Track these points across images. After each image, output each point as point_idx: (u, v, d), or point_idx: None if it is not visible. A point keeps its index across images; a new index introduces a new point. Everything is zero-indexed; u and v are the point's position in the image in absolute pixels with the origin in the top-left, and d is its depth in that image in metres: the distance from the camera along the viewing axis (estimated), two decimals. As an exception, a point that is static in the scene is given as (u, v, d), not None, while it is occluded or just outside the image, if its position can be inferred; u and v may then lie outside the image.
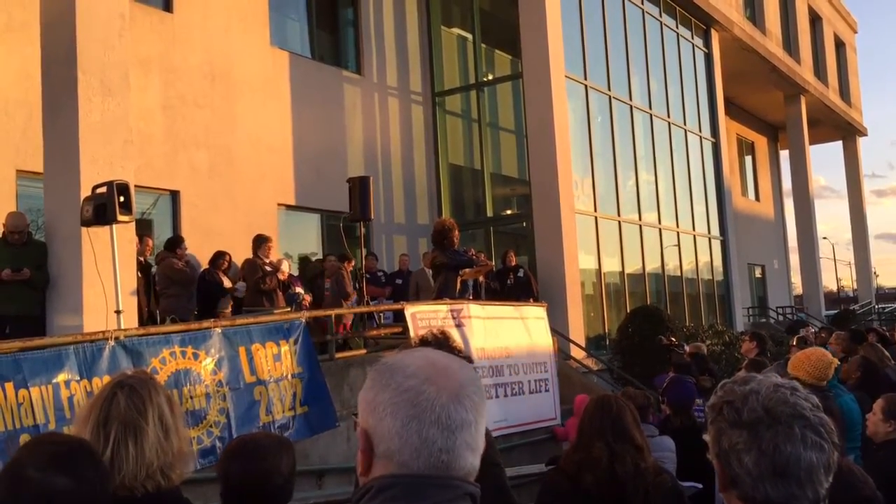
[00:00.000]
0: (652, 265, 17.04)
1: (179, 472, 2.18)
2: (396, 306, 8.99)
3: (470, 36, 15.75)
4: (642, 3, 17.71)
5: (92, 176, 7.16)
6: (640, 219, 16.71)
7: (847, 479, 2.57)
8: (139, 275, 8.27)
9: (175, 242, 9.40)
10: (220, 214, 11.21)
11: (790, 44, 24.98)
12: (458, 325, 8.20)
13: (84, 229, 6.89)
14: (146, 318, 8.66)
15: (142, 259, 8.83)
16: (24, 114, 9.06)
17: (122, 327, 6.23)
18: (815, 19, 28.04)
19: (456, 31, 16.20)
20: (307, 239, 13.21)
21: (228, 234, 10.71)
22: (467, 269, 9.41)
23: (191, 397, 5.67)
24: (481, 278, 11.29)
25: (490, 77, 15.93)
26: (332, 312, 8.77)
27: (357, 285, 10.37)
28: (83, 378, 5.10)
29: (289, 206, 12.52)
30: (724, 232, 20.02)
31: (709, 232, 19.56)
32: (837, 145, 31.76)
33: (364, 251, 10.91)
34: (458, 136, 15.95)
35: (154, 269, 9.37)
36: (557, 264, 13.54)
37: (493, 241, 14.95)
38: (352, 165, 13.24)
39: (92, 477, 1.71)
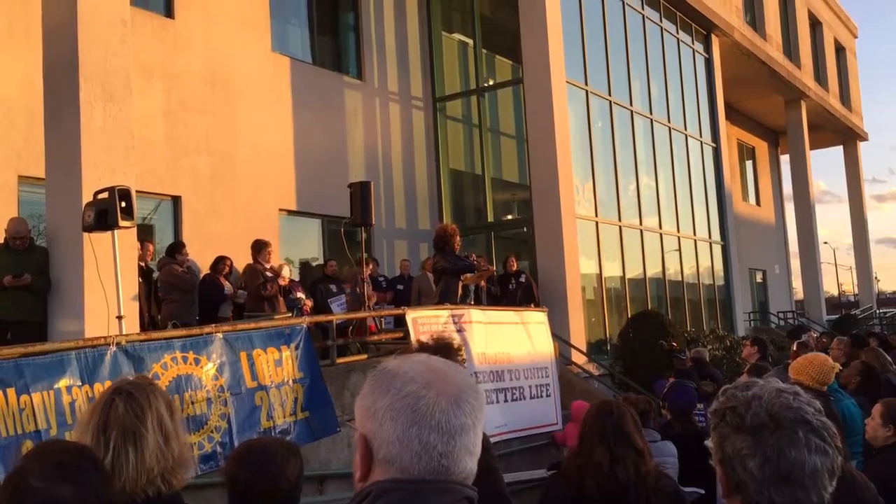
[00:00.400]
0: (653, 270, 17.04)
1: (180, 477, 2.19)
2: (397, 311, 8.99)
3: (471, 41, 15.78)
4: (642, 9, 17.74)
5: (93, 181, 7.17)
6: (640, 223, 16.71)
7: (849, 484, 2.57)
8: (140, 280, 8.27)
9: (175, 248, 9.41)
10: (221, 220, 11.22)
11: (790, 49, 25.01)
12: (459, 330, 8.19)
13: (85, 235, 6.89)
14: (147, 324, 8.66)
15: (143, 264, 8.83)
16: (25, 119, 9.07)
17: (124, 333, 6.23)
18: (816, 24, 28.08)
19: (457, 36, 16.23)
20: (308, 244, 13.22)
21: (230, 240, 10.72)
22: (469, 275, 9.42)
23: (192, 402, 5.67)
24: (482, 283, 11.29)
25: (491, 82, 15.96)
26: (333, 318, 8.77)
27: (358, 290, 10.38)
28: (85, 383, 5.10)
29: (290, 212, 12.53)
30: (724, 237, 20.02)
31: (710, 237, 19.56)
32: (838, 150, 31.77)
33: (365, 256, 10.91)
34: (459, 142, 15.97)
35: (155, 275, 9.38)
36: (558, 269, 13.54)
37: (493, 246, 14.95)
38: (353, 170, 13.25)
39: (94, 485, 1.72)
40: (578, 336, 13.40)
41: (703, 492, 4.44)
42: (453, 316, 8.40)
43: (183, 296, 9.04)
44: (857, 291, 36.61)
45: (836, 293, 60.04)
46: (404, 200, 14.58)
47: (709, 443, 1.53)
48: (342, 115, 13.60)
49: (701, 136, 19.67)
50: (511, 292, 12.22)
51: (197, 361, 5.77)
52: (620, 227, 15.95)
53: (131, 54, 8.19)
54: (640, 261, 16.56)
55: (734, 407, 1.48)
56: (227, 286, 9.62)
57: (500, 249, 14.78)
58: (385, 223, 13.93)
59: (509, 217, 16.01)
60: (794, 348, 7.46)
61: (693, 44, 19.74)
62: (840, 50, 30.52)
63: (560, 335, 11.52)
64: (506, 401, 8.72)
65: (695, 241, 18.85)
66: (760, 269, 26.78)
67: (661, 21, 18.44)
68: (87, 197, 6.98)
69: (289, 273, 10.00)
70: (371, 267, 11.57)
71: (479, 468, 1.30)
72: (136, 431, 2.08)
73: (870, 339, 8.78)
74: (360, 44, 14.28)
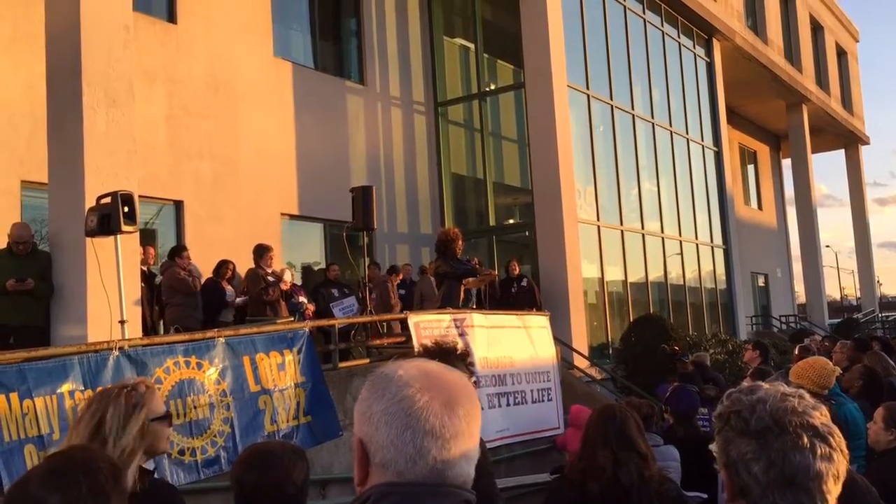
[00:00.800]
0: (655, 274, 17.03)
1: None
2: (400, 315, 8.99)
3: (472, 46, 15.80)
4: (644, 13, 17.77)
5: (96, 186, 7.19)
6: (642, 228, 16.71)
7: (850, 488, 2.57)
8: (142, 285, 8.28)
9: (177, 251, 9.42)
10: (223, 224, 11.23)
11: (792, 53, 25.02)
12: (461, 334, 8.19)
13: (88, 239, 6.90)
14: (150, 328, 8.67)
15: (145, 269, 8.84)
16: (28, 125, 9.10)
17: (126, 337, 6.24)
18: (817, 28, 28.10)
19: (458, 41, 16.26)
20: (310, 248, 13.23)
21: (232, 244, 10.73)
22: (471, 279, 9.43)
23: (194, 407, 5.67)
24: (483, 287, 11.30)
25: (492, 87, 15.98)
26: (335, 322, 8.77)
27: (360, 294, 10.40)
28: (87, 388, 5.10)
29: (292, 216, 12.54)
30: (726, 241, 20.02)
31: (711, 241, 19.55)
32: (839, 154, 31.77)
33: (367, 260, 10.93)
34: (461, 146, 15.98)
35: (158, 279, 9.39)
36: (560, 273, 13.55)
37: (495, 251, 14.96)
38: (355, 175, 13.26)
39: (81, 494, 1.75)
40: (580, 340, 13.39)
41: (705, 496, 4.44)
42: (455, 320, 8.40)
43: (186, 299, 9.04)
44: (859, 295, 36.57)
45: (838, 297, 59.99)
46: (406, 205, 14.59)
47: (713, 447, 1.53)
48: (344, 120, 13.62)
49: (702, 140, 19.68)
50: (513, 296, 12.22)
51: (199, 366, 5.78)
52: (622, 231, 15.95)
53: (134, 59, 8.21)
54: (641, 265, 16.56)
55: (739, 411, 1.48)
56: (230, 290, 9.62)
57: (501, 253, 14.78)
58: (387, 227, 13.94)
59: (511, 221, 16.02)
60: (797, 352, 7.45)
61: (694, 48, 19.76)
62: (841, 54, 30.53)
63: (562, 339, 11.52)
64: (508, 405, 8.72)
65: (696, 244, 18.85)
66: (762, 272, 26.76)
67: (662, 25, 18.46)
68: (89, 202, 6.99)
69: (290, 277, 10.00)
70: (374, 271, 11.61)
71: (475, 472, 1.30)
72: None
73: (873, 342, 8.76)
74: (361, 48, 14.30)
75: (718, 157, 20.21)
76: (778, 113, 25.72)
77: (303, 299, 10.12)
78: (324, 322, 8.71)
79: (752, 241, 24.68)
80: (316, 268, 13.03)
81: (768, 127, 28.09)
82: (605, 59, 16.23)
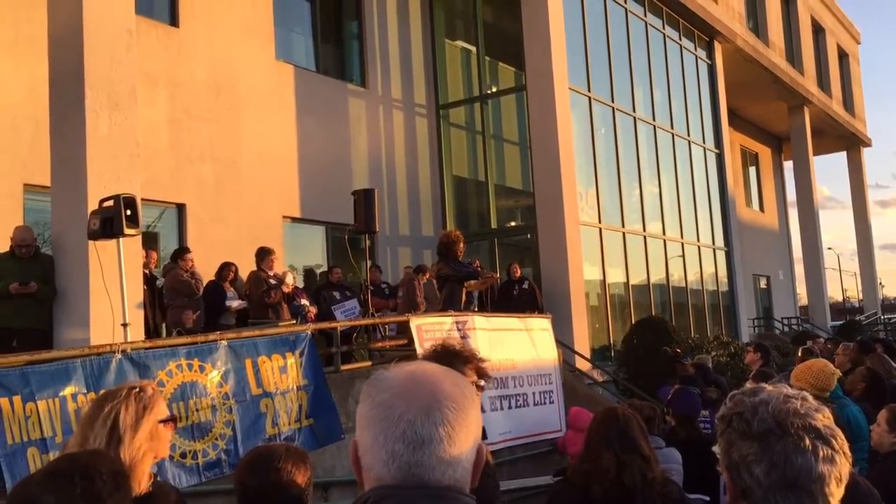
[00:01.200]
0: (656, 276, 17.03)
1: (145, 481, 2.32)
2: (402, 318, 9.00)
3: (474, 48, 15.82)
4: (645, 16, 17.78)
5: (99, 189, 7.20)
6: (644, 230, 16.71)
7: (853, 491, 2.57)
8: (144, 287, 8.29)
9: (180, 253, 9.43)
10: (225, 227, 11.24)
11: (793, 55, 25.02)
12: (463, 337, 8.20)
13: (91, 243, 6.92)
14: (152, 331, 8.67)
15: (147, 272, 8.85)
16: (31, 128, 9.11)
17: (129, 340, 6.25)
18: (818, 30, 28.09)
19: (460, 43, 16.28)
20: (312, 251, 13.23)
21: (234, 247, 10.74)
22: (472, 281, 9.43)
23: (197, 410, 5.68)
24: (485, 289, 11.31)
25: (494, 89, 15.99)
26: (337, 325, 8.78)
27: (362, 297, 10.40)
28: (90, 391, 5.12)
29: (294, 219, 12.55)
30: (728, 243, 20.01)
31: (713, 243, 19.55)
32: (841, 156, 31.76)
33: (369, 263, 10.94)
34: (463, 149, 15.99)
35: (160, 282, 9.39)
36: (562, 276, 13.54)
37: (497, 253, 14.96)
38: (356, 178, 13.27)
39: (74, 496, 1.77)
40: (582, 342, 13.39)
41: (707, 499, 4.44)
42: (457, 323, 8.41)
43: (188, 302, 9.05)
44: (861, 297, 36.53)
45: (840, 299, 59.94)
46: (408, 207, 14.60)
47: (716, 448, 1.53)
48: (346, 123, 13.64)
49: (704, 143, 19.68)
50: (515, 299, 12.22)
51: (202, 369, 5.79)
52: (624, 233, 15.95)
53: (136, 63, 8.22)
54: (643, 267, 16.56)
55: (741, 413, 1.48)
56: (231, 293, 9.62)
57: (503, 256, 14.79)
58: (389, 230, 13.95)
59: (513, 224, 16.03)
60: (800, 354, 7.44)
61: (696, 50, 19.77)
62: (843, 56, 30.52)
63: (564, 342, 11.52)
64: (510, 407, 8.73)
65: (698, 247, 18.84)
66: (764, 275, 26.74)
67: (663, 28, 18.47)
68: (92, 205, 7.01)
69: (292, 280, 10.00)
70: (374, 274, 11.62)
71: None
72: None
73: (875, 345, 8.75)
74: (363, 51, 14.32)
75: (720, 159, 20.20)
76: (779, 115, 25.72)
77: (305, 302, 10.11)
78: (326, 325, 8.72)
79: (753, 244, 24.67)
80: (318, 270, 13.04)
81: (770, 129, 28.08)
82: (607, 62, 16.24)
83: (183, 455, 5.44)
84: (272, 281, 9.49)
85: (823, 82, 27.54)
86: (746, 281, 22.59)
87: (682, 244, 18.15)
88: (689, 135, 19.00)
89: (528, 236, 14.81)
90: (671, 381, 8.91)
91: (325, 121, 13.21)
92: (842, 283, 69.40)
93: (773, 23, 23.54)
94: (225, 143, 11.49)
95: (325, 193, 12.72)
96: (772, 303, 26.86)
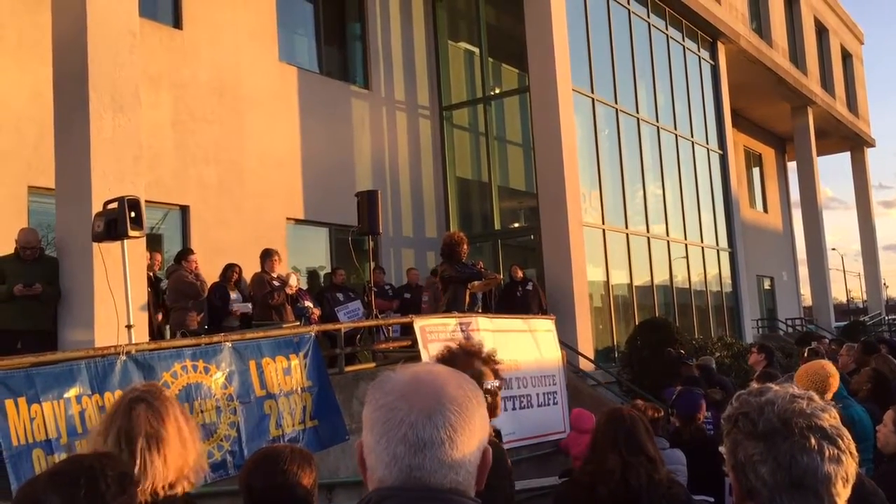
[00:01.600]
0: (660, 277, 17.01)
1: (193, 481, 2.24)
2: (405, 320, 9.00)
3: (477, 50, 15.82)
4: (648, 17, 17.78)
5: (103, 192, 7.22)
6: (647, 231, 16.70)
7: (858, 491, 2.56)
8: (148, 289, 8.31)
9: (183, 254, 9.44)
10: (229, 229, 11.26)
11: (797, 55, 24.99)
12: (467, 338, 8.20)
13: (95, 244, 6.93)
14: (156, 333, 8.69)
15: (151, 274, 8.87)
16: (35, 131, 9.14)
17: (133, 342, 6.26)
18: (822, 31, 28.06)
19: (463, 45, 16.28)
20: (316, 253, 13.24)
21: (237, 249, 10.75)
22: (476, 282, 9.42)
23: (201, 411, 5.69)
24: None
25: (497, 91, 15.99)
26: (341, 326, 8.78)
27: (366, 299, 10.41)
28: (95, 393, 5.13)
29: (297, 221, 12.57)
30: (732, 244, 19.99)
31: (717, 244, 19.53)
32: (845, 156, 31.73)
33: (372, 265, 10.94)
34: (466, 150, 15.99)
35: (163, 284, 9.41)
36: (566, 277, 13.54)
37: (500, 254, 14.95)
38: (360, 179, 13.28)
39: (78, 497, 1.78)
40: (586, 344, 13.38)
41: (712, 500, 4.43)
42: (461, 324, 8.41)
43: (192, 303, 9.06)
44: (865, 298, 36.47)
45: (844, 300, 59.82)
46: (411, 209, 14.61)
47: (723, 449, 1.52)
48: (349, 124, 13.65)
49: (707, 143, 19.67)
50: (519, 300, 12.21)
51: (206, 370, 5.80)
52: (627, 234, 15.94)
53: (140, 65, 8.24)
54: (647, 268, 16.54)
55: (747, 413, 1.47)
56: (235, 296, 9.63)
57: (507, 257, 14.78)
58: (392, 232, 13.96)
59: (516, 225, 16.03)
60: (805, 355, 7.42)
61: (699, 51, 19.76)
62: (846, 56, 30.48)
63: (567, 343, 11.51)
64: (514, 409, 8.72)
65: (702, 248, 18.82)
66: (768, 275, 26.70)
67: (666, 29, 18.46)
68: (96, 207, 7.01)
69: (296, 282, 10.02)
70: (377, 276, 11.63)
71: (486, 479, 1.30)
72: (159, 438, 2.13)
73: (880, 345, 8.73)
74: (366, 53, 14.33)
75: (723, 159, 20.18)
76: (783, 116, 25.69)
77: (308, 304, 10.12)
78: (330, 326, 8.72)
79: (757, 244, 24.62)
80: (321, 272, 13.05)
81: (773, 130, 28.05)
82: (610, 63, 16.24)
83: (187, 456, 5.44)
84: (276, 283, 9.50)
85: (827, 83, 27.51)
86: (750, 282, 22.56)
87: (686, 245, 18.13)
88: (692, 136, 18.99)
89: (532, 237, 14.80)
90: (675, 383, 8.90)
91: (329, 122, 13.22)
92: (846, 284, 69.22)
93: (777, 23, 23.52)
94: (228, 145, 11.51)
95: (328, 195, 12.73)
96: (776, 304, 26.82)
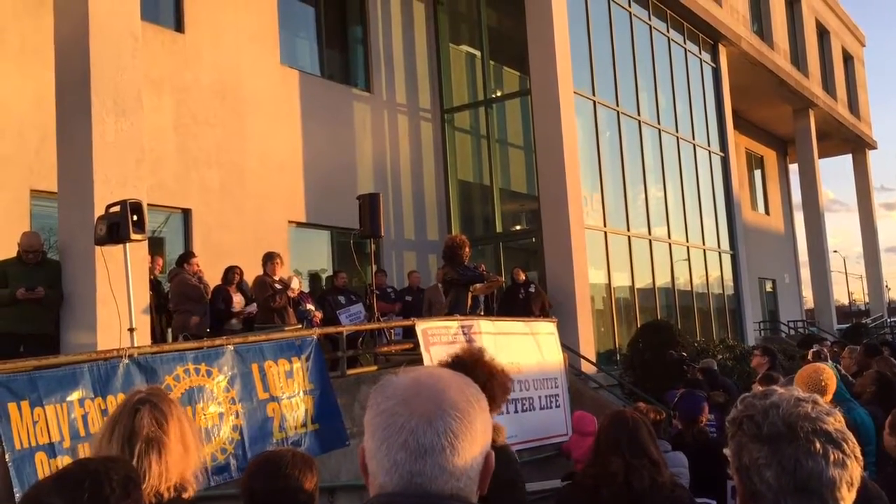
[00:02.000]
0: (662, 280, 17.01)
1: (194, 485, 2.25)
2: (407, 322, 9.00)
3: (478, 53, 15.84)
4: (649, 19, 17.78)
5: (105, 195, 7.23)
6: (649, 233, 16.70)
7: (862, 494, 2.56)
8: (150, 293, 8.31)
9: (186, 257, 9.44)
10: (231, 232, 11.27)
11: (798, 58, 25.00)
12: (469, 341, 8.20)
13: (98, 248, 6.94)
14: (158, 336, 8.69)
15: (153, 277, 8.87)
16: (37, 134, 9.15)
17: (136, 345, 6.26)
18: (823, 33, 28.07)
19: (464, 48, 16.30)
20: (318, 256, 13.25)
21: (239, 252, 10.75)
22: (478, 285, 9.42)
23: (204, 414, 5.69)
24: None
25: (498, 93, 16.00)
26: (343, 329, 8.78)
27: (368, 302, 10.40)
28: (97, 396, 5.13)
29: (299, 224, 12.57)
30: (734, 246, 19.98)
31: (719, 246, 19.52)
32: (847, 158, 31.71)
33: (374, 268, 10.95)
34: (468, 153, 16.00)
35: (166, 287, 9.41)
36: (567, 279, 13.53)
37: (502, 257, 14.96)
38: (362, 182, 13.29)
39: (82, 500, 1.79)
40: (588, 346, 13.37)
41: (714, 502, 4.43)
42: (463, 327, 8.41)
43: (194, 306, 9.06)
44: (867, 300, 36.43)
45: (846, 302, 59.78)
46: (413, 212, 14.61)
47: (727, 451, 1.52)
48: (351, 127, 13.66)
49: (709, 146, 19.67)
50: (520, 303, 12.21)
51: (209, 373, 5.80)
52: (629, 237, 15.94)
53: (142, 68, 8.25)
54: (649, 270, 16.54)
55: (751, 415, 1.47)
56: (238, 299, 9.63)
57: (508, 260, 14.79)
58: (394, 234, 13.96)
59: (518, 227, 16.03)
60: (809, 357, 7.43)
61: (700, 53, 19.76)
62: (848, 58, 30.48)
63: (569, 345, 11.50)
64: (516, 411, 8.71)
65: (704, 250, 18.81)
66: (770, 278, 26.69)
67: (668, 31, 18.47)
68: (98, 210, 7.03)
69: (298, 285, 10.02)
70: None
71: (494, 483, 1.30)
72: (160, 441, 2.14)
73: (882, 347, 8.72)
74: (368, 56, 14.35)
75: (725, 162, 20.18)
76: (784, 118, 25.69)
77: (310, 307, 10.12)
78: (331, 329, 8.71)
79: (759, 247, 24.61)
80: (323, 275, 13.05)
81: (775, 132, 28.04)
82: (611, 65, 16.25)
83: (190, 460, 5.44)
84: (278, 286, 9.50)
85: (828, 85, 27.51)
86: (752, 284, 22.54)
87: (688, 248, 18.13)
88: (693, 138, 18.99)
89: (534, 240, 14.81)
90: (677, 385, 8.89)
91: (330, 125, 13.23)
92: (848, 286, 69.18)
93: (778, 26, 23.53)
94: (230, 148, 11.52)
95: (330, 198, 12.74)
96: (777, 306, 26.80)
